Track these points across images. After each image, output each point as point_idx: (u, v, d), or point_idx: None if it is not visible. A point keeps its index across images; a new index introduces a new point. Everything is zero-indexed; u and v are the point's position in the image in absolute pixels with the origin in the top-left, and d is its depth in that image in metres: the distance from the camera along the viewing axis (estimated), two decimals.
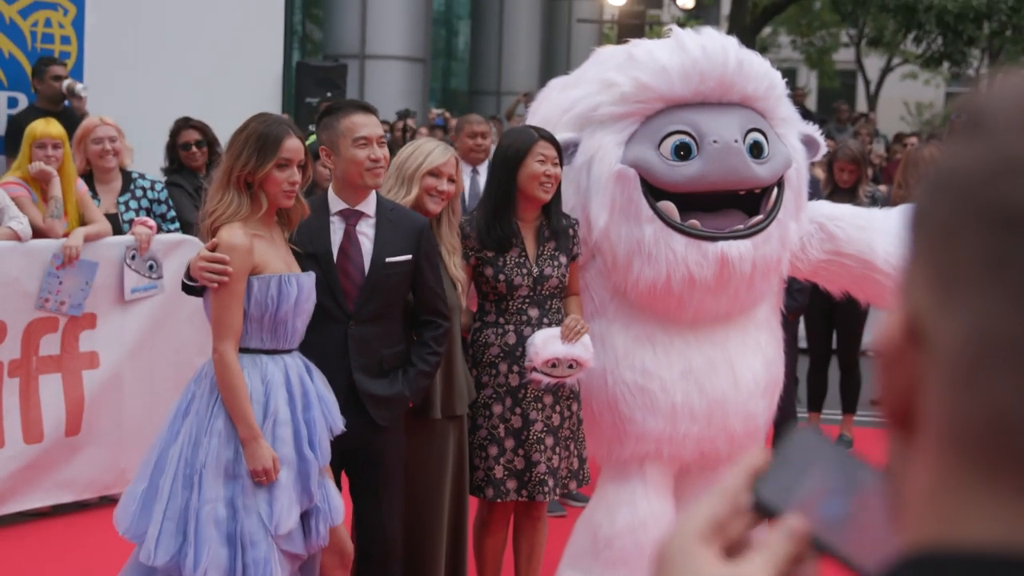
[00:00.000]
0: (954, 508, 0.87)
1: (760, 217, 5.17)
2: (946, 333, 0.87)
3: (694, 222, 5.08)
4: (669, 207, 5.07)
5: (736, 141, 5.09)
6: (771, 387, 5.42)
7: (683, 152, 5.08)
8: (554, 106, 5.43)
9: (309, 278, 4.37)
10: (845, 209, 5.81)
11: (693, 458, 5.26)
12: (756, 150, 5.16)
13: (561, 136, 5.12)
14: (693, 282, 5.04)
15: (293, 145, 4.32)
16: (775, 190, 5.22)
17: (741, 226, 5.13)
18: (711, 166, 5.06)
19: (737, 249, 5.07)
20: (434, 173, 4.89)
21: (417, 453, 4.84)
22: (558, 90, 5.58)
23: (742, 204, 5.22)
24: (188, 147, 8.24)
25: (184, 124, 8.32)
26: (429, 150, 4.94)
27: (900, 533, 0.92)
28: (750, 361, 5.31)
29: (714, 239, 5.06)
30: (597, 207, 5.10)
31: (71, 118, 8.49)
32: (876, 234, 5.52)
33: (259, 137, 4.28)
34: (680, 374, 5.17)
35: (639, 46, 5.30)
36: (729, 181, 5.11)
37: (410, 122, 14.38)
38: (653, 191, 5.08)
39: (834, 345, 8.88)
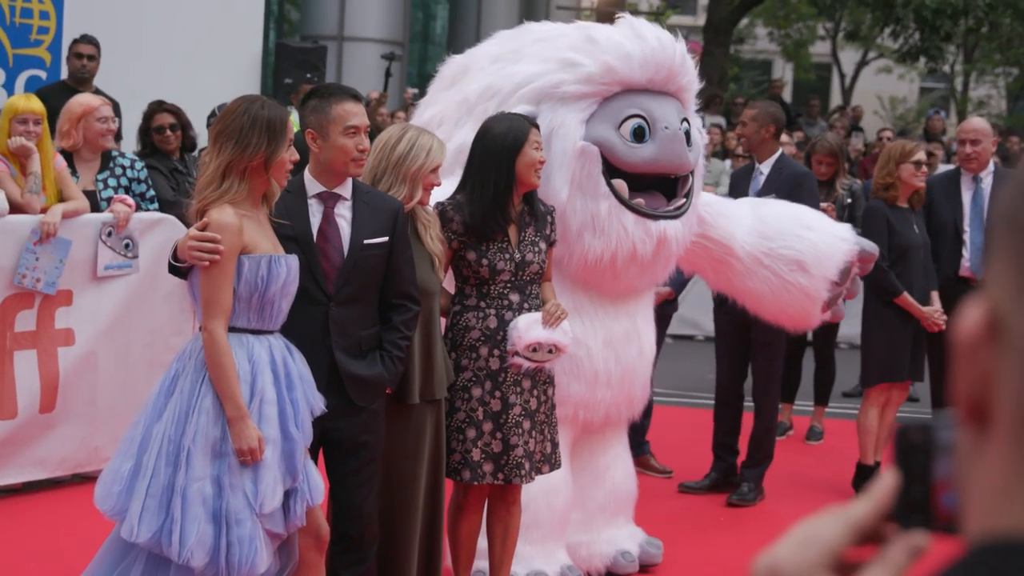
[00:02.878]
0: (1021, 501, 0.88)
1: (683, 200, 5.62)
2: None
3: (640, 200, 5.49)
4: (622, 185, 5.45)
5: (679, 129, 5.53)
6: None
7: (639, 135, 5.46)
8: (501, 78, 5.53)
9: (295, 260, 4.38)
10: (712, 197, 6.40)
11: (599, 422, 5.68)
12: (687, 138, 5.61)
13: (519, 109, 5.31)
14: (635, 257, 5.45)
15: (291, 124, 4.36)
16: (691, 176, 5.69)
17: (670, 208, 5.57)
18: (663, 151, 5.48)
19: (673, 228, 5.53)
20: (434, 169, 4.88)
21: (395, 437, 4.84)
22: (488, 61, 5.72)
23: (660, 186, 5.64)
24: (162, 130, 8.23)
25: (158, 107, 8.31)
26: (427, 147, 4.86)
27: (969, 523, 0.93)
28: (649, 332, 5.82)
29: (655, 218, 5.47)
30: (559, 181, 5.37)
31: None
32: (737, 224, 6.17)
33: (268, 122, 4.26)
34: (603, 342, 5.57)
35: (595, 29, 5.66)
36: (674, 165, 5.56)
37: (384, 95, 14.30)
38: (607, 169, 5.42)
39: (809, 337, 8.91)
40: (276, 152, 4.27)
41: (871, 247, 6.45)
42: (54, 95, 8.02)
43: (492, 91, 5.51)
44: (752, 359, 7.53)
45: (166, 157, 8.26)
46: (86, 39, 9.48)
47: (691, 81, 5.74)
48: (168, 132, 8.25)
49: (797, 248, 6.16)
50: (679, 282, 7.74)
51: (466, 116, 5.54)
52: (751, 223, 6.24)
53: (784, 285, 6.19)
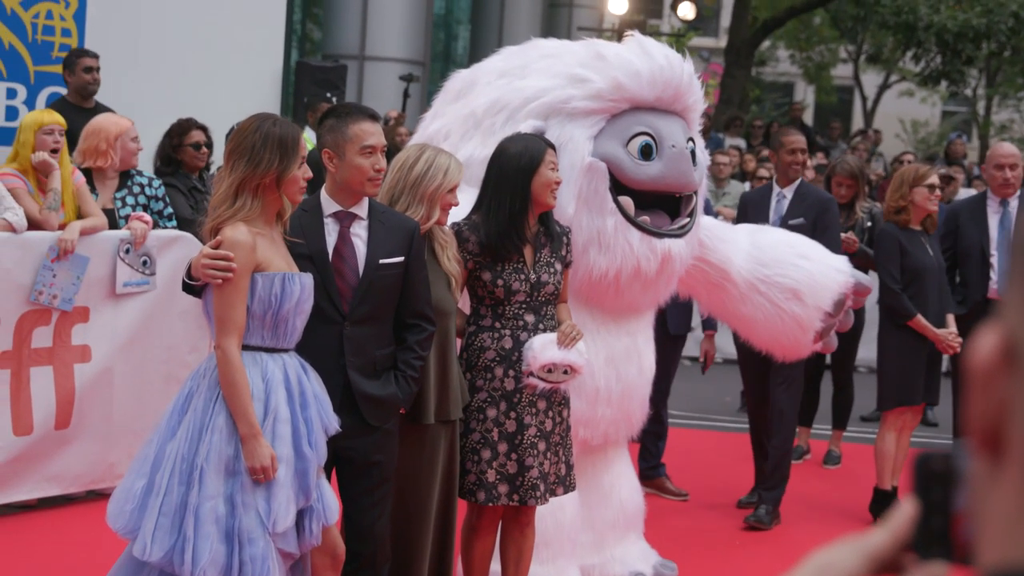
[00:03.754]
0: None
1: (687, 220, 5.65)
2: None
3: (645, 218, 5.51)
4: (628, 202, 5.47)
5: (685, 148, 5.55)
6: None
7: (646, 153, 5.49)
8: (509, 92, 5.56)
9: (309, 278, 4.37)
10: (711, 221, 6.40)
11: (599, 441, 5.69)
12: (692, 158, 5.62)
13: (527, 124, 5.34)
14: (638, 274, 5.47)
15: (304, 142, 4.36)
16: (694, 195, 5.71)
17: (675, 226, 5.60)
18: (670, 169, 5.50)
19: (677, 247, 5.56)
20: (451, 190, 4.88)
21: (408, 457, 4.82)
22: (495, 76, 5.74)
23: (664, 205, 5.65)
24: (198, 147, 8.25)
25: (192, 124, 8.32)
26: (444, 167, 4.87)
27: (982, 553, 0.91)
28: (649, 352, 5.84)
29: (660, 236, 5.50)
30: (566, 196, 5.36)
31: (90, 113, 8.49)
32: (736, 250, 6.19)
33: (280, 140, 4.27)
34: (604, 360, 5.58)
35: (604, 46, 5.69)
36: (680, 184, 5.58)
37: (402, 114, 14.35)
38: (614, 186, 5.45)
39: (828, 361, 8.87)
40: (288, 169, 4.27)
41: (866, 280, 6.47)
42: (60, 111, 7.93)
43: (500, 105, 5.53)
44: (771, 382, 7.53)
45: (185, 175, 8.27)
46: (88, 52, 9.09)
47: (697, 101, 5.77)
48: (203, 148, 8.29)
49: (793, 277, 6.17)
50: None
51: (473, 130, 5.56)
52: (748, 249, 6.25)
53: (778, 313, 6.20)
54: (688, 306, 7.77)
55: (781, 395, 7.49)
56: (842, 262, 6.39)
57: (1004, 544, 0.88)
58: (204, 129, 8.38)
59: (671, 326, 7.70)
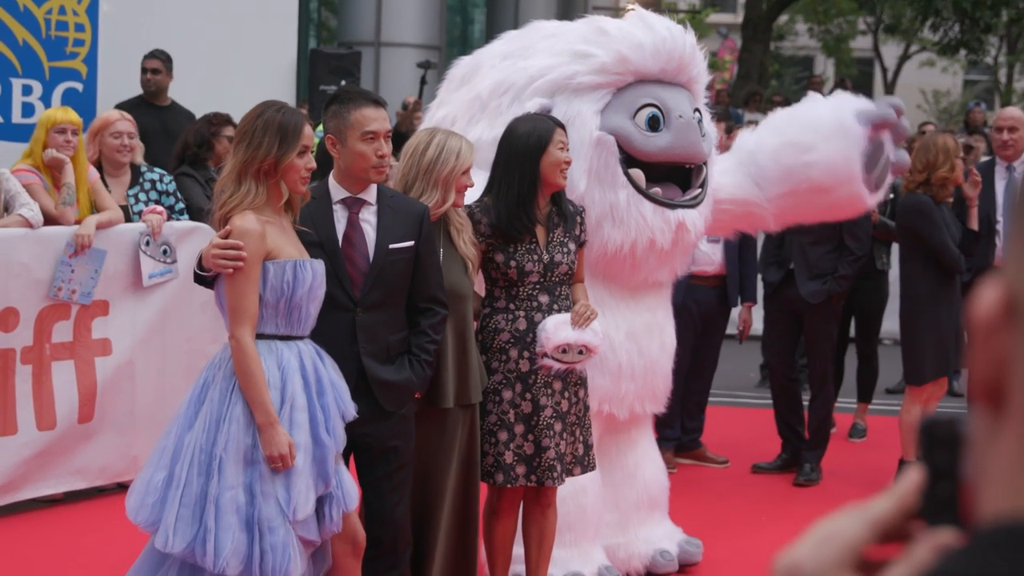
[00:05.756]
0: None
1: (699, 190, 5.64)
2: None
3: (657, 190, 5.50)
4: (639, 175, 5.46)
5: (692, 118, 5.54)
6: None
7: (654, 124, 5.48)
8: (514, 72, 5.55)
9: (321, 265, 4.37)
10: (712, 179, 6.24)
11: (625, 416, 5.66)
12: (699, 128, 5.61)
13: (533, 102, 5.35)
14: (653, 246, 5.46)
15: (309, 131, 4.37)
16: (704, 167, 5.68)
17: (687, 197, 5.59)
18: (678, 139, 5.49)
19: (690, 217, 5.55)
20: (465, 171, 4.87)
21: (428, 441, 4.83)
22: (499, 59, 5.74)
23: (674, 178, 5.63)
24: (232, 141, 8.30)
25: (227, 119, 8.34)
26: (456, 149, 4.86)
27: (981, 504, 0.91)
28: (669, 326, 5.84)
29: (673, 207, 5.49)
30: (577, 171, 5.36)
31: (161, 111, 9.42)
32: (737, 175, 6.07)
33: (280, 126, 4.27)
34: (625, 335, 5.58)
35: (606, 22, 5.69)
36: (688, 154, 5.56)
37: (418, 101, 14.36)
38: (624, 159, 5.44)
39: (852, 334, 8.86)
40: (286, 155, 4.27)
41: (881, 111, 6.00)
42: (129, 109, 8.25)
43: (505, 86, 5.53)
44: (808, 350, 7.88)
45: (204, 167, 8.29)
46: (152, 54, 9.86)
47: (701, 72, 5.76)
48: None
49: (810, 177, 5.93)
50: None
51: (479, 112, 5.55)
52: (756, 174, 6.07)
53: (819, 202, 6.06)
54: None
55: (816, 360, 7.83)
56: (847, 121, 5.93)
57: (1005, 495, 0.88)
58: (235, 126, 8.43)
59: (731, 299, 8.01)
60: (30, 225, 6.48)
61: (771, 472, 7.91)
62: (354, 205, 4.63)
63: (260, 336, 4.26)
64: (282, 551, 4.17)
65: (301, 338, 4.36)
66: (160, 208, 7.08)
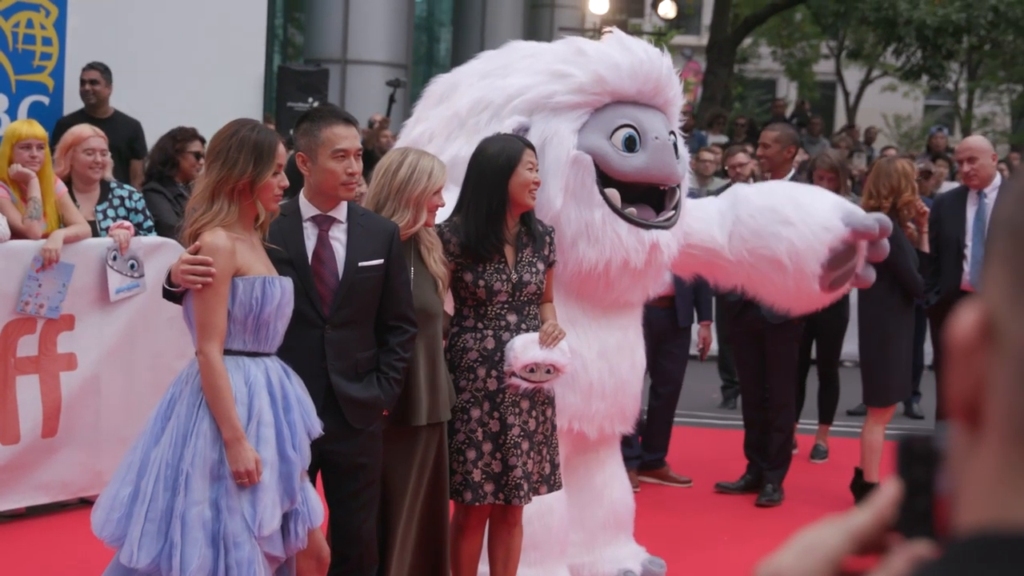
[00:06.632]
0: (1011, 495, 0.90)
1: (672, 212, 5.69)
2: (1018, 331, 0.90)
3: (632, 210, 5.56)
4: (614, 194, 5.51)
5: (668, 139, 5.61)
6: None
7: (630, 145, 5.54)
8: (492, 91, 5.60)
9: (289, 282, 4.38)
10: (687, 201, 6.24)
11: (594, 435, 5.70)
12: (675, 150, 5.67)
13: (512, 120, 5.39)
14: (627, 266, 5.51)
15: (283, 150, 4.38)
16: (678, 188, 5.75)
17: (661, 218, 5.64)
18: (654, 160, 5.55)
19: (664, 238, 5.60)
20: (437, 191, 4.89)
21: (397, 459, 4.83)
22: (477, 77, 5.79)
23: (648, 200, 5.68)
24: (199, 156, 8.26)
25: (195, 134, 8.33)
26: (428, 170, 4.88)
27: (958, 518, 0.94)
28: (640, 346, 5.91)
29: (647, 227, 5.55)
30: (553, 189, 5.41)
31: (102, 123, 8.91)
32: (713, 225, 6.15)
33: (256, 145, 4.29)
34: (597, 354, 5.62)
35: (584, 43, 5.78)
36: (664, 175, 5.62)
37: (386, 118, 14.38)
38: (600, 178, 5.48)
39: (813, 355, 8.92)
40: (262, 175, 4.28)
41: (868, 222, 6.11)
42: (72, 124, 8.15)
43: (484, 104, 5.57)
44: (767, 371, 7.86)
45: (172, 183, 8.27)
46: (91, 65, 9.64)
47: (676, 95, 5.82)
48: (200, 160, 8.30)
49: (772, 247, 6.04)
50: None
51: (457, 130, 5.59)
52: (731, 225, 6.17)
53: (770, 279, 6.16)
54: (691, 299, 8.08)
55: (777, 380, 7.84)
56: (833, 218, 6.07)
57: (982, 507, 0.91)
58: (203, 141, 8.41)
59: (681, 319, 8.03)
60: None
61: (734, 492, 7.97)
62: (324, 223, 4.65)
63: (227, 352, 4.27)
64: (247, 567, 4.17)
65: (268, 355, 4.37)
66: (127, 223, 7.05)
